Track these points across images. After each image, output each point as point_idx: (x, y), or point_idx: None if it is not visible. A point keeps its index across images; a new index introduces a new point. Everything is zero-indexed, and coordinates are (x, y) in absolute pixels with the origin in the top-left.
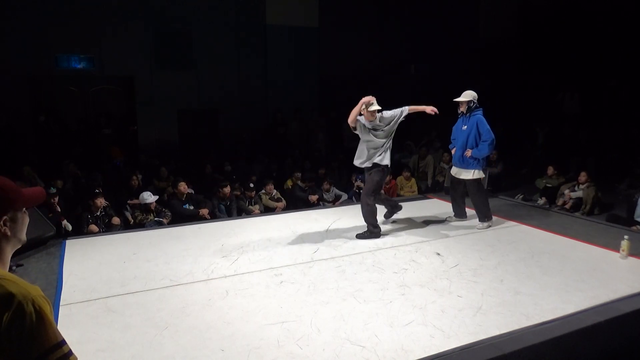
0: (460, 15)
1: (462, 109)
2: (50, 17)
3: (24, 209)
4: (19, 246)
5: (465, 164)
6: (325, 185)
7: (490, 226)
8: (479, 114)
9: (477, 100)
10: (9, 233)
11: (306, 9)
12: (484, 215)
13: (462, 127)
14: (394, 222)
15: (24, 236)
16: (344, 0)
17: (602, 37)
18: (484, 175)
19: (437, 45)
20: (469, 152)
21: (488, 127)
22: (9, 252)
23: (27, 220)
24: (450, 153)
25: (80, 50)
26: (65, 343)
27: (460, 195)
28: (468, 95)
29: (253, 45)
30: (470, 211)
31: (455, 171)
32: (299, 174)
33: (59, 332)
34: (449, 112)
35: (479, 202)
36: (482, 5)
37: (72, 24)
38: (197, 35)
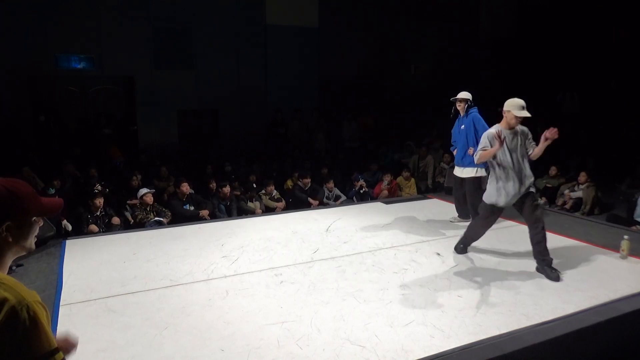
0: (461, 15)
1: (460, 107)
2: (50, 17)
3: (35, 217)
4: (24, 253)
5: (466, 162)
6: (329, 185)
7: None
8: (474, 112)
9: (473, 99)
10: (10, 239)
11: (306, 9)
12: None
13: (459, 128)
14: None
15: (29, 244)
16: (344, 0)
17: (602, 36)
18: (485, 174)
19: (437, 45)
20: (471, 150)
21: (484, 123)
22: (10, 257)
23: (36, 228)
24: (452, 153)
25: (80, 50)
26: (59, 351)
27: (464, 195)
28: (466, 94)
29: (253, 45)
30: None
31: (458, 171)
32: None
33: (53, 340)
34: (450, 112)
35: (475, 200)
36: (483, 5)
37: (72, 24)
38: (197, 35)
